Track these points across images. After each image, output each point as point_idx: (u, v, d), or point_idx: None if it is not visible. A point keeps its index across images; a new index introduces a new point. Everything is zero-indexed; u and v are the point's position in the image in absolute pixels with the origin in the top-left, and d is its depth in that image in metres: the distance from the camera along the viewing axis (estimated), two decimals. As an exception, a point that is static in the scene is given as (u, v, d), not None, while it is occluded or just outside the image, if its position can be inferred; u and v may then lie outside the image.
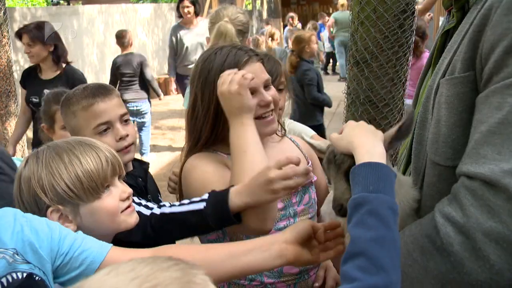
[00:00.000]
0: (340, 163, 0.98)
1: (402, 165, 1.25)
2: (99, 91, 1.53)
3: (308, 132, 2.27)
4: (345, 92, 2.63)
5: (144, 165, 1.71)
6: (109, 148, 1.26)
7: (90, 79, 9.59)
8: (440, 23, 6.24)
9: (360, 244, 0.78)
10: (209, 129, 1.39)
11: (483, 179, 0.81)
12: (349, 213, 0.82)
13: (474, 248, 0.79)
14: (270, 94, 1.39)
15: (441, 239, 0.84)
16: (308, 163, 1.58)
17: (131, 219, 1.26)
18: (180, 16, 5.86)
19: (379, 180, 0.84)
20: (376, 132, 1.02)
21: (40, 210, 1.16)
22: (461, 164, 0.88)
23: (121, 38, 5.66)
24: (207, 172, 1.37)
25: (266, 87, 1.39)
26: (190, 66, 5.74)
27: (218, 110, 1.35)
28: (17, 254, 1.01)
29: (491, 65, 0.86)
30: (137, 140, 5.50)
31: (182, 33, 5.80)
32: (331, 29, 11.52)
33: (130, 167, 1.62)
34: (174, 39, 5.83)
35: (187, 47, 5.76)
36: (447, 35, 1.13)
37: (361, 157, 0.89)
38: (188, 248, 1.17)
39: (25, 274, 1.00)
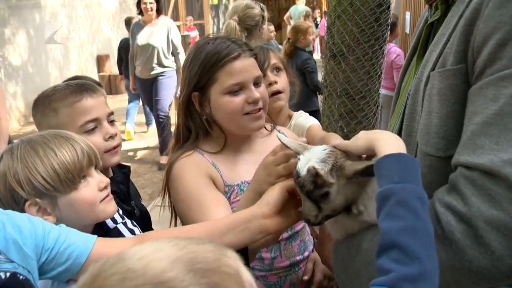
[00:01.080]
0: (301, 186, 0.96)
1: None
2: (86, 87, 1.47)
3: (308, 123, 2.19)
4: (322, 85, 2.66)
5: (124, 169, 1.66)
6: (84, 139, 1.25)
7: (54, 75, 9.33)
8: (407, 17, 6.38)
9: (391, 235, 0.77)
10: (191, 119, 1.42)
11: (482, 169, 0.82)
12: (378, 206, 0.82)
13: (476, 236, 0.81)
14: (260, 91, 1.38)
15: (442, 228, 0.86)
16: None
17: (110, 208, 1.26)
18: (140, 12, 5.38)
19: (404, 170, 0.83)
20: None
21: (17, 204, 1.15)
22: (457, 155, 0.90)
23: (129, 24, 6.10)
24: (192, 183, 1.35)
25: (256, 84, 1.38)
26: (138, 68, 5.52)
27: (194, 101, 1.39)
28: (0, 254, 0.98)
29: (484, 57, 0.87)
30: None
31: (137, 30, 5.45)
32: (290, 22, 12.44)
33: (110, 173, 1.57)
34: (130, 36, 5.59)
35: (138, 46, 5.42)
36: (431, 27, 1.15)
37: (383, 149, 0.87)
38: (170, 231, 1.19)
39: (8, 274, 0.97)
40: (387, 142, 0.89)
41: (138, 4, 5.33)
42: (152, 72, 5.48)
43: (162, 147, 5.60)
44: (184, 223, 1.38)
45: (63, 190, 1.17)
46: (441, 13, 1.08)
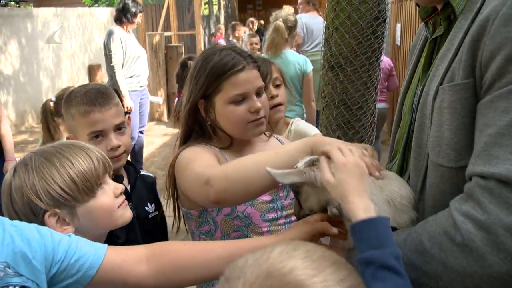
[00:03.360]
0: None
1: (396, 168, 1.30)
2: (98, 100, 1.55)
3: (311, 131, 2.27)
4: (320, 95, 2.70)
5: (136, 173, 1.72)
6: (96, 148, 1.28)
7: (46, 84, 9.30)
8: (397, 29, 6.48)
9: None
10: (194, 123, 1.50)
11: (499, 178, 0.87)
12: (362, 269, 0.89)
13: (496, 242, 0.85)
14: (261, 101, 1.47)
15: (462, 235, 0.89)
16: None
17: (127, 214, 1.28)
18: (127, 21, 5.22)
19: (379, 235, 0.91)
20: (364, 180, 1.02)
21: (36, 216, 1.14)
22: (472, 166, 0.94)
23: None
24: (199, 152, 1.42)
25: (258, 94, 1.48)
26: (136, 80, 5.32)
27: (200, 108, 1.46)
28: (9, 267, 0.96)
29: (493, 72, 0.92)
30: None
31: (127, 39, 5.28)
32: None
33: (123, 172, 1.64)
34: (122, 47, 5.19)
35: (130, 55, 5.26)
36: (435, 43, 1.20)
37: (357, 214, 0.94)
38: (188, 248, 1.15)
39: None
40: (360, 207, 0.95)
41: (126, 15, 5.20)
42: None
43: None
44: (181, 183, 1.39)
45: (81, 198, 1.18)
46: (444, 29, 1.13)
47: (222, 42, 10.26)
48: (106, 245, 1.11)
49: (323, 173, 1.02)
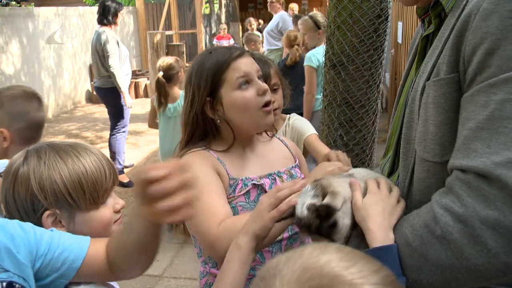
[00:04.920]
0: (309, 225, 1.03)
1: (387, 169, 1.32)
2: None
3: (308, 131, 2.24)
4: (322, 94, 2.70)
5: None
6: (108, 159, 1.25)
7: (47, 84, 9.30)
8: (399, 27, 6.47)
9: None
10: (201, 125, 1.48)
11: (476, 172, 0.88)
12: None
13: (473, 235, 0.87)
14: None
15: (441, 228, 0.91)
16: (295, 161, 1.63)
17: None
18: (110, 24, 5.30)
19: (393, 264, 0.95)
20: (394, 213, 1.07)
21: (35, 212, 1.12)
22: (452, 159, 0.95)
23: None
24: (202, 171, 1.40)
25: (259, 79, 1.47)
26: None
27: (205, 109, 1.44)
28: None
29: (474, 66, 0.93)
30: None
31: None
32: None
33: None
34: (118, 47, 5.30)
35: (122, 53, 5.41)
36: (427, 40, 1.21)
37: (372, 242, 0.99)
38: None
39: (4, 284, 0.95)
40: (378, 237, 1.00)
41: (110, 15, 5.28)
42: None
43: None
44: None
45: (84, 206, 1.15)
46: (435, 27, 1.14)
47: (224, 42, 10.26)
48: (88, 237, 1.10)
49: (355, 194, 1.08)
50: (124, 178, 5.31)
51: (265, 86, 1.45)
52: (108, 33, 5.20)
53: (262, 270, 0.68)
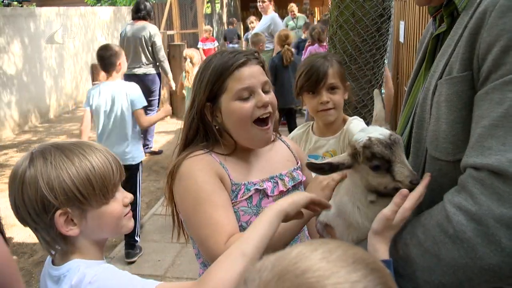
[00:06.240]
0: (392, 143, 1.07)
1: None
2: None
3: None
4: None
5: None
6: (113, 154, 1.25)
7: (48, 84, 9.30)
8: (401, 27, 6.45)
9: None
10: (202, 127, 1.45)
11: (490, 169, 0.87)
12: None
13: (487, 234, 0.85)
14: (269, 97, 1.42)
15: (453, 227, 0.89)
16: (297, 163, 1.62)
17: (130, 224, 1.27)
18: (150, 19, 6.12)
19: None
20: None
21: (47, 212, 1.12)
22: (466, 157, 0.94)
23: None
24: (204, 180, 1.38)
25: (265, 92, 1.42)
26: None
27: (206, 112, 1.43)
28: None
29: (489, 63, 0.92)
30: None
31: None
32: None
33: None
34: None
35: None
36: (437, 39, 1.20)
37: (382, 254, 1.00)
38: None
39: None
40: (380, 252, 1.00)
41: (152, 12, 6.21)
42: None
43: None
44: (189, 222, 1.38)
45: (95, 203, 1.16)
46: (447, 26, 1.13)
47: (209, 45, 10.12)
48: (152, 281, 1.11)
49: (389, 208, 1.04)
50: (155, 150, 6.54)
51: (266, 99, 1.40)
52: (153, 27, 6.07)
53: (249, 271, 0.66)
